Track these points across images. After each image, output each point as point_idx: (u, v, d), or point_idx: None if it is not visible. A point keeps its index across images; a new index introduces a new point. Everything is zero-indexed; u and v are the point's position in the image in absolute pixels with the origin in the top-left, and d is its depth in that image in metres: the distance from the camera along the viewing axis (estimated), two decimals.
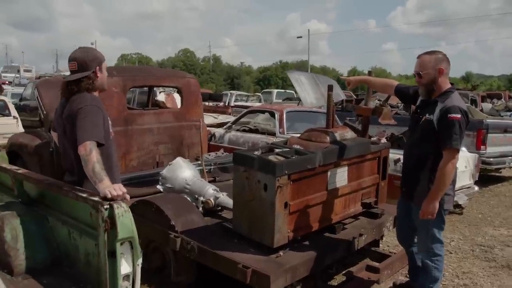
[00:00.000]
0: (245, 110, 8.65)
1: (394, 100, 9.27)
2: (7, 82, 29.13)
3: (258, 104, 19.02)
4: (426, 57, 3.29)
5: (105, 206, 2.23)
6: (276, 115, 7.25)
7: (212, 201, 4.12)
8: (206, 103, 16.33)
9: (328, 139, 3.81)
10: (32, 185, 3.00)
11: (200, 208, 4.13)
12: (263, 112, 8.14)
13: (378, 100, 8.96)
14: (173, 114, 5.98)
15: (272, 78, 77.28)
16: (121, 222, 2.21)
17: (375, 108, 4.12)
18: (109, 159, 2.79)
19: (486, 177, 9.12)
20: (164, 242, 3.72)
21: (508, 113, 15.57)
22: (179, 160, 4.56)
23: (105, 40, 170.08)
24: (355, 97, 14.49)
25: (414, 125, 3.49)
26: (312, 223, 3.66)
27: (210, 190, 4.23)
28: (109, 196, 2.31)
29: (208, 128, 7.45)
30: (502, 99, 19.99)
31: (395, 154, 5.53)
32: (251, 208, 3.39)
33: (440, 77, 3.24)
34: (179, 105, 7.04)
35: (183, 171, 4.41)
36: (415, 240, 3.68)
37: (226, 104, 19.51)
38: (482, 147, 8.46)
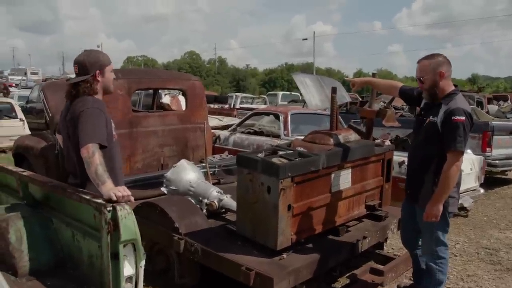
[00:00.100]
0: (250, 113, 8.66)
1: (399, 102, 9.27)
2: (14, 85, 29.33)
3: (263, 106, 19.04)
4: (425, 62, 3.28)
5: (108, 208, 2.24)
6: (280, 117, 7.25)
7: (216, 203, 4.13)
8: (212, 106, 16.38)
9: (331, 141, 3.81)
10: (37, 187, 3.02)
11: (204, 210, 4.14)
12: (268, 114, 8.15)
13: (383, 102, 8.95)
14: (177, 117, 6.00)
15: (277, 80, 77.37)
16: (124, 224, 2.22)
17: (379, 110, 4.11)
18: (111, 161, 2.80)
19: (492, 179, 9.08)
20: (168, 244, 3.73)
21: None
22: (183, 162, 4.57)
23: (111, 42, 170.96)
24: (360, 99, 14.48)
25: (418, 127, 3.48)
26: (316, 226, 3.65)
27: (214, 192, 4.24)
28: (114, 198, 2.32)
29: (213, 130, 7.46)
30: (509, 101, 19.85)
31: (400, 157, 5.51)
32: (255, 210, 3.39)
33: (442, 81, 3.23)
34: (184, 108, 7.06)
35: (187, 173, 4.42)
36: (420, 242, 3.66)
37: (232, 107, 19.54)
38: (487, 149, 8.42)
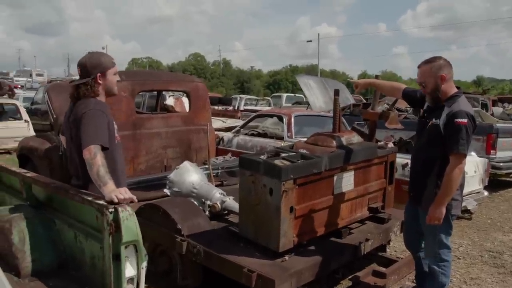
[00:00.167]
0: (254, 114, 8.67)
1: (403, 104, 9.26)
2: (19, 86, 29.44)
3: (267, 108, 19.03)
4: (425, 67, 3.27)
5: (110, 210, 2.25)
6: (284, 119, 7.25)
7: (219, 205, 4.14)
8: (216, 107, 16.38)
9: (334, 143, 3.81)
10: (40, 188, 3.03)
11: (207, 212, 4.15)
12: (271, 116, 8.16)
13: (387, 104, 8.94)
14: (181, 118, 6.01)
15: (282, 82, 77.34)
16: (126, 225, 2.23)
17: (382, 112, 4.11)
18: (113, 163, 2.80)
19: (496, 182, 9.05)
20: (170, 245, 3.74)
21: None
22: (186, 164, 4.58)
23: (115, 44, 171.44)
24: (364, 101, 14.47)
25: (421, 129, 3.47)
26: (318, 228, 3.65)
27: (217, 194, 4.24)
28: (115, 200, 2.33)
29: (216, 132, 7.47)
30: None
31: (403, 159, 5.50)
32: (257, 212, 3.40)
33: (444, 84, 3.21)
34: (187, 109, 7.07)
35: (190, 175, 4.43)
36: (423, 245, 3.66)
37: (236, 108, 19.55)
38: (492, 151, 8.39)
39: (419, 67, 3.33)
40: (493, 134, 8.42)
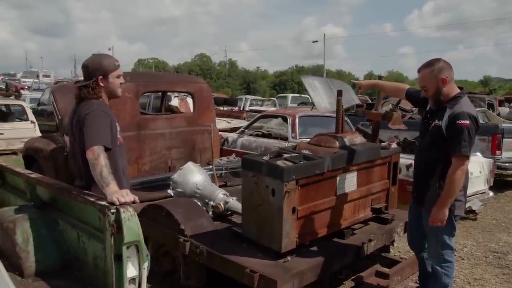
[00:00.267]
0: (258, 115, 8.67)
1: (408, 105, 9.22)
2: (26, 87, 29.64)
3: (272, 108, 19.04)
4: (426, 71, 3.25)
5: (112, 211, 2.27)
6: (288, 120, 7.25)
7: (222, 205, 4.15)
8: (221, 108, 16.41)
9: (337, 144, 3.81)
10: (44, 189, 3.06)
11: (210, 213, 4.16)
12: (276, 117, 8.15)
13: (392, 104, 8.91)
14: (185, 119, 6.04)
15: (288, 82, 77.25)
16: (127, 226, 2.25)
17: (385, 113, 4.10)
18: (114, 164, 2.82)
19: (502, 182, 9.01)
20: (174, 246, 3.75)
21: None
22: (189, 164, 4.60)
23: (122, 45, 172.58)
24: (370, 101, 14.43)
25: (424, 130, 3.47)
26: (321, 228, 3.66)
27: (220, 194, 4.25)
28: (117, 203, 2.34)
29: (221, 133, 7.49)
30: None
31: (407, 159, 5.49)
32: (260, 213, 3.40)
33: (445, 86, 3.20)
34: (192, 110, 7.09)
35: (194, 176, 4.45)
36: (426, 245, 3.65)
37: (241, 109, 19.56)
38: (497, 152, 8.34)
39: (419, 71, 3.31)
40: (498, 135, 8.38)
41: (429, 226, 3.31)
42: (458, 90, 3.26)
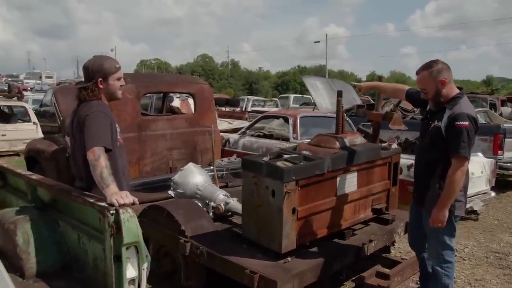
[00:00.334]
0: (260, 116, 8.67)
1: (409, 105, 9.22)
2: (29, 88, 29.72)
3: (274, 109, 19.03)
4: (424, 73, 3.25)
5: (111, 212, 2.28)
6: (290, 120, 7.25)
7: (223, 206, 4.15)
8: (223, 109, 16.42)
9: (337, 144, 3.81)
10: (45, 190, 3.07)
11: (211, 213, 4.17)
12: (277, 117, 8.15)
13: (393, 104, 8.91)
14: (186, 120, 6.04)
15: (290, 83, 77.22)
16: (127, 227, 2.26)
17: (385, 113, 4.12)
18: (114, 165, 2.82)
19: (504, 182, 8.98)
20: (174, 247, 3.76)
21: None
22: (190, 165, 4.61)
23: (124, 46, 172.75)
24: (372, 101, 14.42)
25: (424, 131, 3.47)
26: (321, 229, 3.66)
27: (220, 195, 4.26)
28: (116, 204, 2.35)
29: (222, 134, 7.49)
30: None
31: (408, 160, 5.48)
32: (260, 213, 3.41)
33: (444, 88, 3.20)
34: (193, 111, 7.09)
35: (194, 177, 4.46)
36: (427, 245, 3.65)
37: (243, 110, 19.57)
38: (499, 152, 8.32)
39: (417, 73, 3.31)
40: (500, 135, 8.35)
41: (430, 227, 3.31)
42: (458, 91, 3.26)
